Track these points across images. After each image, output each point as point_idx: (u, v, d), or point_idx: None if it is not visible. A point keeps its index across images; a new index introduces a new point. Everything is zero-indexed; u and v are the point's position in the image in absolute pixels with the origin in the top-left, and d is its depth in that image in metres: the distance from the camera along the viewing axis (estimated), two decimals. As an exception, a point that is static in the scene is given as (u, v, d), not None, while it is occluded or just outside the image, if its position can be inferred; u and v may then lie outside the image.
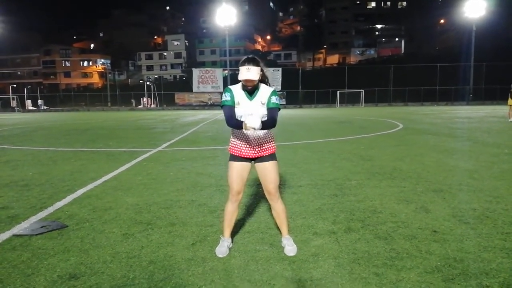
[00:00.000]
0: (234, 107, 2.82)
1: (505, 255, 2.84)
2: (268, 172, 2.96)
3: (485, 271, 2.59)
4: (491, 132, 11.94)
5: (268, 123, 2.75)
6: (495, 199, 4.28)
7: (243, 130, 2.78)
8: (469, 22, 46.85)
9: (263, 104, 2.82)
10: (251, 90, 2.83)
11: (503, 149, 8.10)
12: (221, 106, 2.85)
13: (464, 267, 2.65)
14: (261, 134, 2.92)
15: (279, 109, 2.85)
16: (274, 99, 2.81)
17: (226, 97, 2.83)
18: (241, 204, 4.08)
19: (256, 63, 2.75)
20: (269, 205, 3.14)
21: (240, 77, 2.75)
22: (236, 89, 2.87)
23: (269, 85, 2.98)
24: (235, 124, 2.76)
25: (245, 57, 2.81)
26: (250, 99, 2.83)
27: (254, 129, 2.59)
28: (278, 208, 3.03)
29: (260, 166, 2.98)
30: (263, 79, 2.92)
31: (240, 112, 2.82)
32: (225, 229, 3.06)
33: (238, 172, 2.96)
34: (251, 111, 2.80)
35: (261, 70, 2.82)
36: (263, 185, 3.03)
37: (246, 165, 2.98)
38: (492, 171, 5.81)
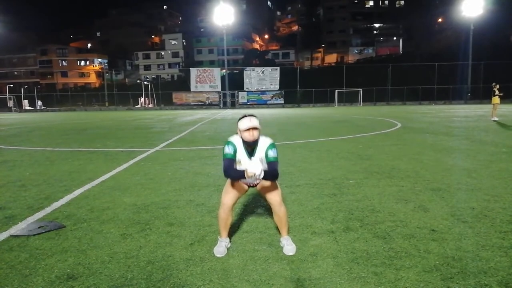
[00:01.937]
0: (235, 160, 2.88)
1: (503, 253, 2.84)
2: (270, 190, 3.02)
3: (483, 269, 2.59)
4: (488, 131, 11.97)
5: (270, 175, 2.82)
6: (493, 198, 4.29)
7: (245, 179, 2.85)
8: (467, 21, 46.89)
9: (262, 161, 2.89)
10: (250, 147, 2.89)
11: (500, 148, 8.12)
12: (223, 158, 2.89)
13: (462, 266, 2.65)
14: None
15: (278, 163, 2.90)
16: (271, 153, 2.86)
17: (229, 149, 2.87)
18: (239, 204, 4.09)
19: (255, 117, 2.86)
20: (268, 205, 3.15)
21: (243, 127, 2.79)
22: (238, 144, 2.91)
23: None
24: (234, 175, 2.83)
25: (242, 115, 2.89)
26: (250, 158, 2.90)
27: (256, 177, 2.68)
28: (281, 213, 3.05)
29: (261, 186, 3.04)
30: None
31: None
32: (221, 231, 3.08)
33: (234, 191, 3.02)
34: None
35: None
36: (267, 199, 3.08)
37: (244, 187, 3.06)
38: (490, 170, 5.82)
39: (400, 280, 2.47)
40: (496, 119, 16.34)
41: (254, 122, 2.81)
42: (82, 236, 3.37)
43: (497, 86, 17.27)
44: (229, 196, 3.02)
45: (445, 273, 2.56)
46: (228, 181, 3.05)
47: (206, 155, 7.99)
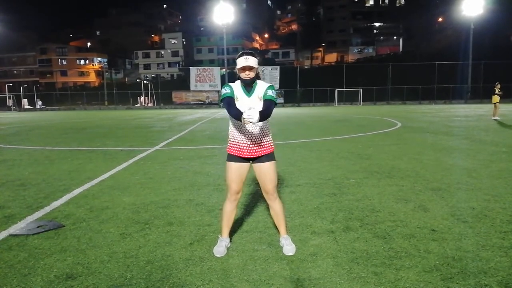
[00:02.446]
0: (233, 98, 2.85)
1: (503, 253, 2.84)
2: (266, 172, 2.96)
3: (483, 269, 2.59)
4: (488, 130, 11.96)
5: (263, 113, 2.72)
6: (493, 198, 4.28)
7: (242, 122, 2.77)
8: (467, 21, 46.86)
9: (260, 99, 2.86)
10: (249, 86, 2.86)
11: (501, 148, 8.12)
12: (221, 100, 2.88)
13: (462, 266, 2.65)
14: (258, 129, 2.92)
15: (275, 104, 2.87)
16: (270, 92, 2.84)
17: (226, 90, 2.86)
18: (239, 204, 4.06)
19: (253, 55, 2.83)
20: (267, 204, 3.13)
21: (238, 66, 2.80)
22: (235, 85, 2.91)
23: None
24: (235, 113, 2.74)
25: (242, 51, 2.88)
26: (249, 96, 2.87)
27: (252, 123, 2.59)
28: (276, 207, 3.02)
29: (258, 166, 2.97)
30: (259, 76, 2.94)
31: (239, 107, 2.84)
32: (223, 229, 3.05)
33: (236, 171, 2.95)
34: (250, 106, 2.83)
35: (257, 63, 2.87)
36: (261, 185, 3.03)
37: (245, 165, 2.98)
38: (490, 170, 5.81)
39: (400, 280, 2.46)
40: (497, 118, 16.35)
41: (250, 61, 2.78)
42: (81, 236, 3.36)
43: (499, 86, 17.33)
44: (234, 181, 2.95)
45: (445, 273, 2.55)
46: (228, 165, 2.98)
47: (206, 154, 7.98)
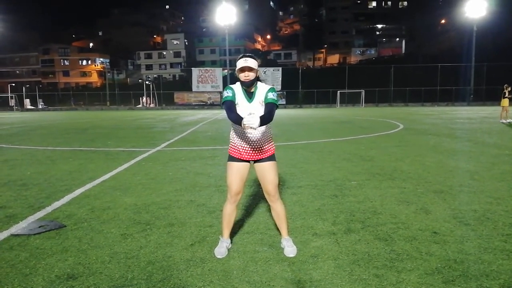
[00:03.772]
0: (234, 102, 2.82)
1: (505, 256, 2.82)
2: (268, 173, 2.94)
3: (485, 272, 2.57)
4: (491, 133, 11.93)
5: (265, 118, 2.69)
6: (495, 201, 4.26)
7: (242, 127, 2.76)
8: (470, 22, 46.76)
9: (262, 104, 2.82)
10: (249, 90, 2.84)
11: (503, 150, 8.09)
12: (222, 103, 2.85)
13: (464, 268, 2.63)
14: (259, 135, 2.90)
15: (277, 106, 2.83)
16: (271, 95, 2.81)
17: (227, 93, 2.83)
18: (240, 205, 4.07)
19: (252, 57, 2.81)
20: (269, 205, 3.12)
21: (238, 67, 2.78)
22: (237, 88, 2.87)
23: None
24: (235, 118, 2.71)
25: (241, 54, 2.88)
26: (250, 101, 2.84)
27: (253, 128, 2.58)
28: (278, 208, 3.01)
29: (259, 166, 2.96)
30: (259, 78, 2.92)
31: (239, 113, 2.81)
32: (224, 230, 3.05)
33: (237, 172, 2.94)
34: (250, 111, 2.81)
35: (257, 66, 2.85)
36: (263, 186, 3.02)
37: (245, 165, 2.97)
38: (492, 172, 5.79)
39: (402, 283, 2.45)
40: (504, 121, 16.15)
41: (249, 62, 2.76)
42: (82, 236, 3.36)
43: (509, 88, 16.82)
44: (235, 181, 2.94)
45: (447, 275, 2.54)
46: (229, 165, 2.98)
47: (208, 155, 7.99)
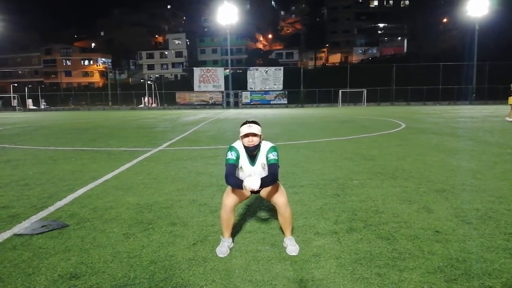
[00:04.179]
0: (237, 165, 2.88)
1: (508, 255, 2.82)
2: (274, 193, 2.99)
3: (487, 271, 2.57)
4: (493, 131, 11.89)
5: (268, 180, 2.78)
6: (498, 199, 4.25)
7: (243, 190, 2.83)
8: (472, 21, 46.63)
9: (264, 167, 2.89)
10: (252, 154, 2.90)
11: (506, 149, 8.07)
12: (225, 164, 2.91)
13: (466, 267, 2.63)
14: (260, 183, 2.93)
15: (279, 166, 2.90)
16: (271, 156, 2.87)
17: (231, 155, 2.88)
18: (241, 204, 4.07)
19: (256, 123, 2.87)
20: (271, 204, 3.13)
21: (242, 133, 2.83)
22: (241, 150, 2.92)
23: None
24: (235, 183, 2.80)
25: (245, 120, 2.94)
26: (252, 165, 2.91)
27: (254, 189, 2.67)
28: (287, 214, 3.03)
29: (264, 191, 3.02)
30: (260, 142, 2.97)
31: (242, 177, 2.89)
32: (224, 231, 3.08)
33: (236, 193, 2.99)
34: (251, 174, 2.89)
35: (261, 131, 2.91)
36: (272, 202, 3.05)
37: (247, 193, 3.03)
38: (495, 171, 5.78)
39: (404, 282, 2.45)
40: (509, 119, 15.99)
41: (253, 128, 2.82)
42: (85, 236, 3.37)
43: None
44: (230, 198, 3.00)
45: (449, 274, 2.54)
46: (229, 187, 3.04)
47: (209, 155, 7.99)
